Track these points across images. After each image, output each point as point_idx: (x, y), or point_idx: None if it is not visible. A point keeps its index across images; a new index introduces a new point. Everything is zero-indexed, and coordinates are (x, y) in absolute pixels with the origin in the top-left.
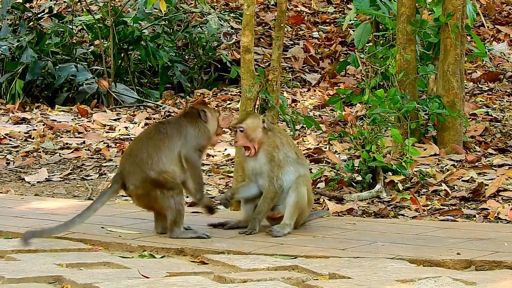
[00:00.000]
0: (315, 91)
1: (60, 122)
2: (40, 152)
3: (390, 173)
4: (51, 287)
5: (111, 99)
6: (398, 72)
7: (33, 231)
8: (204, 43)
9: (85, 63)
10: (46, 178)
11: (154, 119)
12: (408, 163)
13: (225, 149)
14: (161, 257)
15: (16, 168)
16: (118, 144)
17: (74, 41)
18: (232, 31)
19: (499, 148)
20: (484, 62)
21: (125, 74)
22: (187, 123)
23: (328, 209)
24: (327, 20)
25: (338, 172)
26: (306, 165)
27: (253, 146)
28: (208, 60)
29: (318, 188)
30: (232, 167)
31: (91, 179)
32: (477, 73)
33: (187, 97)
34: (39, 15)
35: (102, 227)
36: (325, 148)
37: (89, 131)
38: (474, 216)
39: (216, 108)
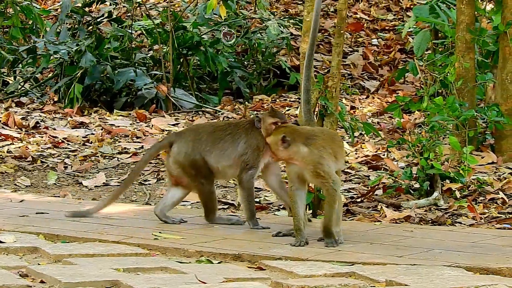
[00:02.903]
0: (373, 98)
1: (118, 126)
2: (98, 156)
3: (447, 181)
4: None
5: (169, 104)
6: (457, 80)
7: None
8: (264, 49)
9: (144, 68)
10: (104, 183)
11: None
12: (466, 171)
13: None
14: (218, 263)
15: (74, 172)
16: None
17: (133, 45)
18: (232, 31)
19: None
20: None
21: (184, 79)
22: (243, 134)
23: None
24: (387, 28)
25: (396, 179)
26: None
27: (278, 159)
28: (267, 66)
29: (376, 195)
30: None
31: (149, 184)
32: None
33: (246, 103)
34: (98, 20)
35: (153, 233)
36: (384, 155)
37: (147, 136)
38: None
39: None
